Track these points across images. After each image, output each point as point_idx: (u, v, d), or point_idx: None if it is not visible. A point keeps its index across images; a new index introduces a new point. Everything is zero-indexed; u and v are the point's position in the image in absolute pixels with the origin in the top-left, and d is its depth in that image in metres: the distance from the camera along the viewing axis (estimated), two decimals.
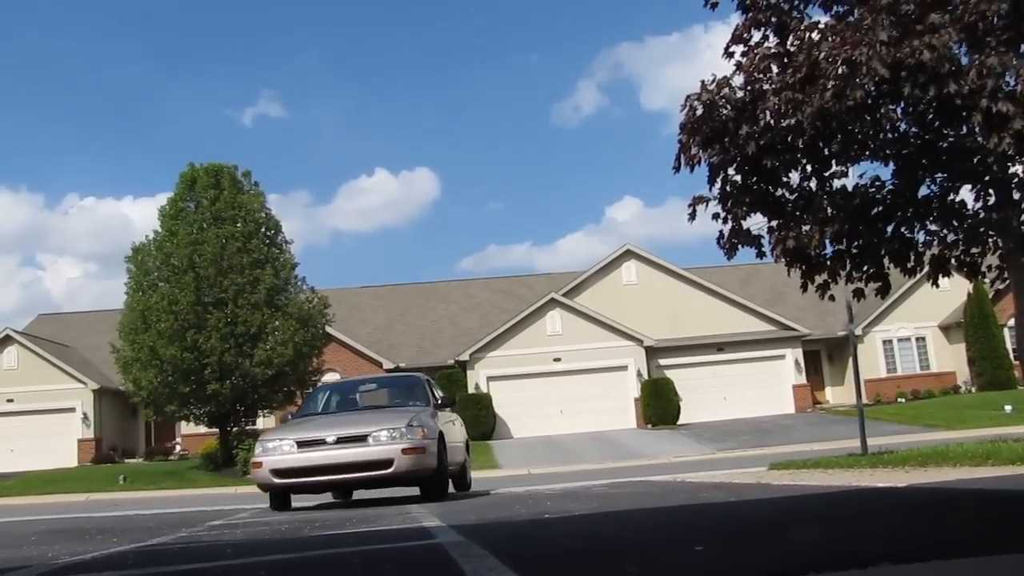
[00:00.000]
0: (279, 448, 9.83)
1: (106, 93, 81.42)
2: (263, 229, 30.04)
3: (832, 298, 11.99)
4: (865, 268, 11.29)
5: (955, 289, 32.75)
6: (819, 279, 11.53)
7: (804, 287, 11.71)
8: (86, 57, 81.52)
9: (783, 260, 11.25)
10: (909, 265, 11.17)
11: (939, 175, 10.65)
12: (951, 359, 37.94)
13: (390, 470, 9.51)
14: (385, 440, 9.62)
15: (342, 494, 12.18)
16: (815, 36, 10.16)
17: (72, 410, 37.22)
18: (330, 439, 9.72)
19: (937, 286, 11.93)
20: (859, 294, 11.94)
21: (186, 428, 35.67)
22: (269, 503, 10.43)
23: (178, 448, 37.89)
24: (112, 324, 31.36)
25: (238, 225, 29.08)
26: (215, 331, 27.28)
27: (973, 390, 35.63)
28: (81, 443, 36.87)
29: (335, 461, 9.57)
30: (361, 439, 9.69)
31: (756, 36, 11.08)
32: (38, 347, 37.91)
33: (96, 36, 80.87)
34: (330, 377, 30.33)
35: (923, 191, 10.75)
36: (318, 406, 11.96)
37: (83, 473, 31.37)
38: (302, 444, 9.78)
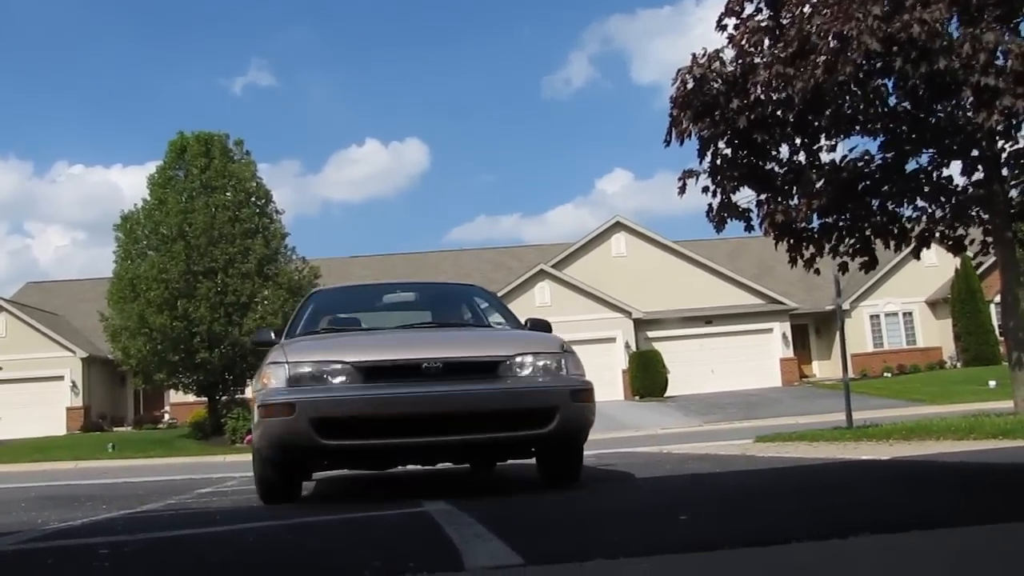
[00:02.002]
0: (325, 377, 5.36)
1: (95, 61, 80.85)
2: (254, 198, 29.95)
3: (818, 272, 12.07)
4: (852, 242, 11.37)
5: (942, 265, 32.96)
6: (806, 253, 11.60)
7: (792, 261, 11.77)
8: (75, 25, 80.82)
9: (771, 234, 11.31)
10: (892, 240, 11.24)
11: (928, 150, 10.70)
12: (937, 334, 38.19)
13: (549, 428, 5.33)
14: (532, 373, 5.57)
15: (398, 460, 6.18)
16: (807, 10, 10.16)
17: (61, 378, 37.26)
18: (431, 364, 5.32)
19: (919, 258, 12.01)
20: (843, 268, 12.02)
21: (175, 397, 35.72)
22: (261, 488, 6.00)
23: (167, 417, 37.98)
24: (101, 292, 31.30)
25: (228, 194, 29.00)
26: (205, 300, 27.27)
27: (959, 365, 35.91)
28: (70, 411, 36.94)
29: (445, 408, 5.23)
30: (487, 368, 5.47)
31: (749, 8, 11.09)
32: (26, 315, 37.85)
33: (86, 3, 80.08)
34: None
35: (911, 166, 10.81)
36: (331, 320, 7.06)
37: (72, 441, 31.44)
38: (372, 372, 5.34)
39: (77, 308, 40.43)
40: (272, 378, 5.46)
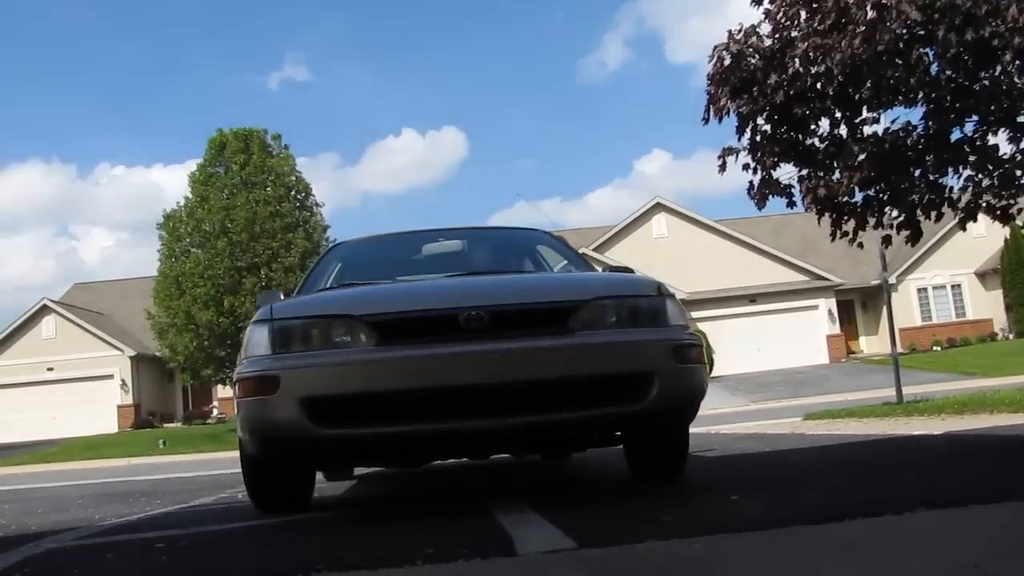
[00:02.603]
0: (323, 339, 3.78)
1: (132, 61, 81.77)
2: (293, 192, 30.21)
3: (861, 246, 11.90)
4: (896, 215, 11.19)
5: (991, 235, 32.39)
6: (847, 227, 11.45)
7: (833, 235, 11.63)
8: (112, 25, 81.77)
9: (814, 209, 11.17)
10: (935, 211, 11.04)
11: (972, 118, 10.48)
12: (987, 306, 37.58)
13: (644, 402, 3.73)
14: (618, 324, 3.92)
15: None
16: None
17: (110, 377, 37.86)
18: (473, 315, 3.69)
19: (964, 229, 11.77)
20: (887, 241, 11.85)
21: (223, 391, 36.17)
22: (250, 491, 4.44)
23: (215, 411, 38.47)
24: (146, 291, 31.75)
25: (268, 189, 29.29)
26: (249, 295, 27.57)
27: (1011, 337, 35.31)
28: (120, 409, 37.53)
29: (492, 375, 3.63)
30: (553, 319, 3.80)
31: None
32: (75, 316, 38.49)
33: (121, 3, 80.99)
34: None
35: (955, 135, 10.59)
36: (356, 274, 5.37)
37: (123, 438, 31.96)
38: (389, 330, 3.72)
39: (124, 307, 41.02)
40: (253, 343, 3.85)
